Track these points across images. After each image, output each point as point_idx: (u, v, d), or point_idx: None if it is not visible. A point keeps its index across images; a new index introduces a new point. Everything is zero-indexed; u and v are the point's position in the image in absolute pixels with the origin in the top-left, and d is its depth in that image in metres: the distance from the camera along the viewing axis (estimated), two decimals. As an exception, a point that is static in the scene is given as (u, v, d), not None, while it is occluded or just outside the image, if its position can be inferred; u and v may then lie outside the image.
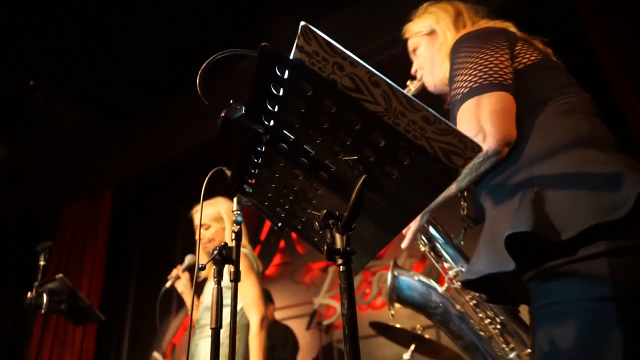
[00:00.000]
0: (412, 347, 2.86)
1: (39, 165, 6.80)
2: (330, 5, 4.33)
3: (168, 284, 2.91)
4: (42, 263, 2.46)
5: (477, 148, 0.75)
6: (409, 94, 1.60)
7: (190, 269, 2.96)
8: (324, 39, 0.76)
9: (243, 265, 2.65)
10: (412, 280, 1.60)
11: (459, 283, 1.52)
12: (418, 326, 3.02)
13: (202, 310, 2.84)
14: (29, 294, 2.37)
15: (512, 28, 1.41)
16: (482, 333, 1.51)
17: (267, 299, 4.48)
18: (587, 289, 1.03)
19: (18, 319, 6.14)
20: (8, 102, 6.11)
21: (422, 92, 1.62)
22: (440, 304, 1.54)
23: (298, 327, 4.81)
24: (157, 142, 5.99)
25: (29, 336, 2.41)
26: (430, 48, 1.57)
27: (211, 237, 2.93)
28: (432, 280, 1.61)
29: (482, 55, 1.27)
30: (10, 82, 5.85)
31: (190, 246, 3.09)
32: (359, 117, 0.83)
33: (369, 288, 4.84)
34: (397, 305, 1.61)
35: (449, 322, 1.53)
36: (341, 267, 0.94)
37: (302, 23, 0.76)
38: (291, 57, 0.82)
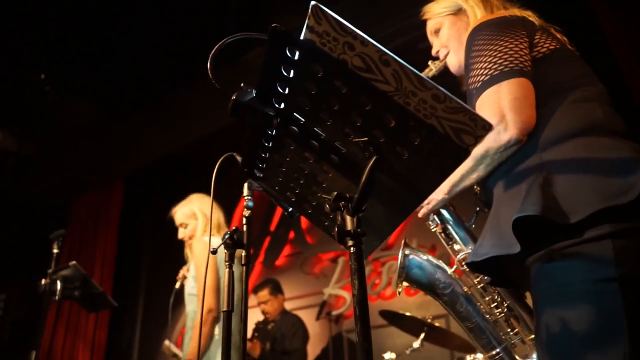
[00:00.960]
0: (422, 335, 2.87)
1: (50, 157, 6.86)
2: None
3: (177, 285, 3.01)
4: (55, 251, 2.49)
5: (487, 126, 0.75)
6: (431, 74, 1.59)
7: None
8: (334, 18, 0.76)
9: (204, 253, 2.73)
10: (422, 260, 1.61)
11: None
12: (428, 315, 3.02)
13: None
14: (43, 281, 2.40)
15: (532, 17, 1.40)
16: (488, 316, 1.52)
17: (277, 289, 4.51)
18: (592, 270, 1.04)
19: (31, 307, 6.23)
20: (19, 94, 6.16)
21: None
22: (449, 285, 1.55)
23: (308, 317, 4.84)
24: (168, 133, 6.02)
25: (43, 323, 2.44)
26: (456, 27, 1.54)
27: (190, 234, 3.03)
28: (441, 262, 1.62)
29: (501, 42, 1.26)
30: (21, 75, 5.90)
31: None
32: (370, 98, 0.83)
33: (379, 278, 4.85)
34: (404, 283, 1.62)
35: (456, 303, 1.55)
36: (352, 248, 0.94)
37: (313, 2, 0.76)
38: (301, 37, 0.82)
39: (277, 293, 4.48)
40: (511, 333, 1.48)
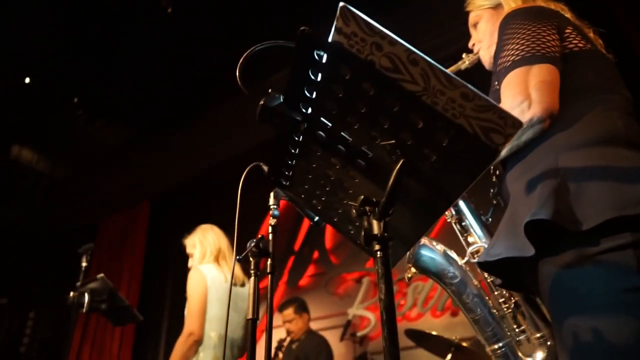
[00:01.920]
0: (449, 356, 2.80)
1: (81, 178, 7.04)
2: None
3: None
4: (84, 264, 2.53)
5: (517, 124, 0.74)
6: (464, 67, 1.60)
7: None
8: (362, 19, 0.77)
9: (195, 280, 2.79)
10: (433, 249, 1.61)
11: (478, 257, 1.54)
12: (455, 336, 2.96)
13: None
14: (71, 294, 2.44)
15: (567, 13, 1.40)
16: (494, 311, 1.51)
17: (302, 308, 4.47)
18: (615, 279, 1.02)
19: (59, 326, 6.31)
20: (53, 118, 6.37)
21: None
22: (457, 276, 1.55)
23: (332, 338, 4.78)
24: (193, 154, 6.14)
25: (70, 337, 2.48)
26: (492, 22, 1.55)
27: (192, 264, 3.11)
28: (453, 252, 1.62)
29: (535, 28, 1.26)
30: (55, 100, 6.11)
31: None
32: (397, 99, 0.83)
33: (404, 299, 4.78)
34: (412, 270, 1.63)
35: (463, 294, 1.54)
36: (378, 253, 0.94)
37: (341, 3, 0.77)
38: (329, 40, 0.83)
39: (302, 312, 4.44)
40: (517, 330, 1.47)
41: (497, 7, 1.56)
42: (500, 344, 1.48)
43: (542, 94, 1.16)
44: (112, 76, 5.65)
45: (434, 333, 2.97)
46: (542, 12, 1.33)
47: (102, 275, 2.56)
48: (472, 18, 1.64)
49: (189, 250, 3.14)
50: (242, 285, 2.98)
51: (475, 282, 1.56)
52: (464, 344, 2.82)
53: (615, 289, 1.01)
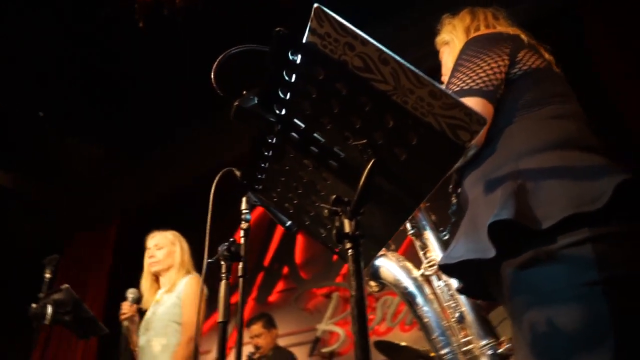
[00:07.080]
0: (418, 368, 2.82)
1: (48, 196, 6.88)
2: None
3: (126, 324, 2.93)
4: (47, 275, 2.46)
5: (482, 120, 0.78)
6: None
7: (138, 301, 3.04)
8: (335, 19, 0.80)
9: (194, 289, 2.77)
10: (388, 261, 1.75)
11: (432, 271, 1.66)
12: (423, 346, 2.98)
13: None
14: (33, 305, 2.36)
15: (523, 35, 1.48)
16: (443, 320, 1.60)
17: (270, 323, 4.44)
18: (575, 274, 1.06)
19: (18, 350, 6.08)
20: (22, 137, 6.23)
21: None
22: (409, 286, 1.68)
23: (301, 354, 4.74)
24: (163, 173, 6.13)
25: (33, 348, 2.40)
26: (452, 57, 1.62)
27: (162, 258, 3.04)
28: (408, 263, 1.74)
29: (482, 58, 1.35)
30: (23, 119, 5.99)
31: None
32: (369, 98, 0.86)
33: (373, 314, 4.79)
34: (373, 283, 1.81)
35: (413, 302, 1.66)
36: (350, 250, 0.96)
37: (315, 5, 0.80)
38: (304, 40, 0.86)
39: (271, 327, 4.40)
40: (462, 340, 1.54)
41: (450, 42, 1.63)
42: (447, 350, 1.56)
43: None
44: (84, 95, 5.59)
45: (402, 344, 2.99)
46: (497, 38, 1.41)
47: (66, 285, 2.49)
48: (440, 54, 1.72)
49: (162, 243, 3.04)
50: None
51: (428, 292, 1.66)
52: (432, 354, 2.85)
53: (575, 284, 1.05)
